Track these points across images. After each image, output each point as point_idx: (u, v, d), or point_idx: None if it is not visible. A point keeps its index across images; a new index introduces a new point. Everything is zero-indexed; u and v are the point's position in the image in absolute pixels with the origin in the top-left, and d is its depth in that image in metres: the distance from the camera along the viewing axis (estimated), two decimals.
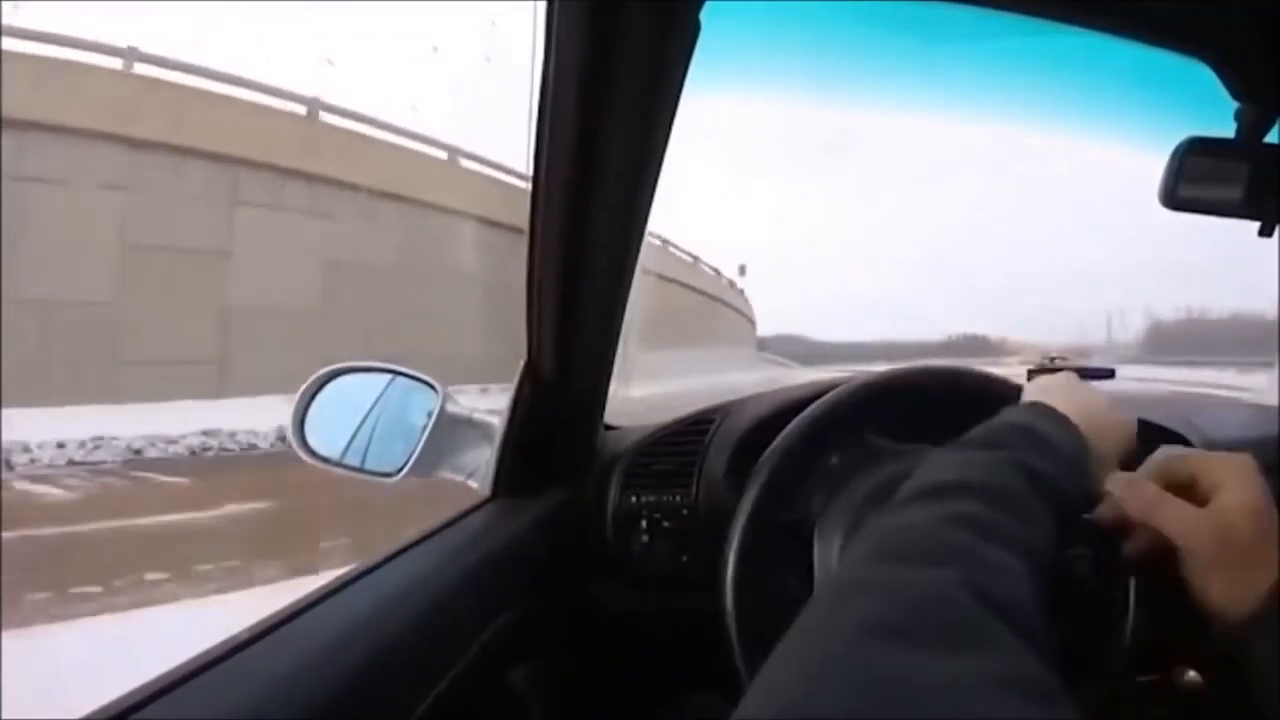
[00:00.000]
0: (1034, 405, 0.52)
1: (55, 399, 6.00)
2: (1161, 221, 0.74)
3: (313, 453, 0.77)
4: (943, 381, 0.79)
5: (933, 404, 0.74)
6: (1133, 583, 0.64)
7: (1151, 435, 0.59)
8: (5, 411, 4.99)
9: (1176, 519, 0.46)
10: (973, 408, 0.56)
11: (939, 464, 0.43)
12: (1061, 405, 0.52)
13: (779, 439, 0.77)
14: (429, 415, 0.79)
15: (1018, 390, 0.61)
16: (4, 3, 6.17)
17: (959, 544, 0.34)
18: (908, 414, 0.76)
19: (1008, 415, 0.51)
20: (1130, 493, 0.49)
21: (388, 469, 0.78)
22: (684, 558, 0.87)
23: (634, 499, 0.89)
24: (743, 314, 17.13)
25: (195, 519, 4.36)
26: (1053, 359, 0.68)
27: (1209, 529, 0.44)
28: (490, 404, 0.83)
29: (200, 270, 7.33)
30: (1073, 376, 0.59)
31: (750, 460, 0.78)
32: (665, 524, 0.88)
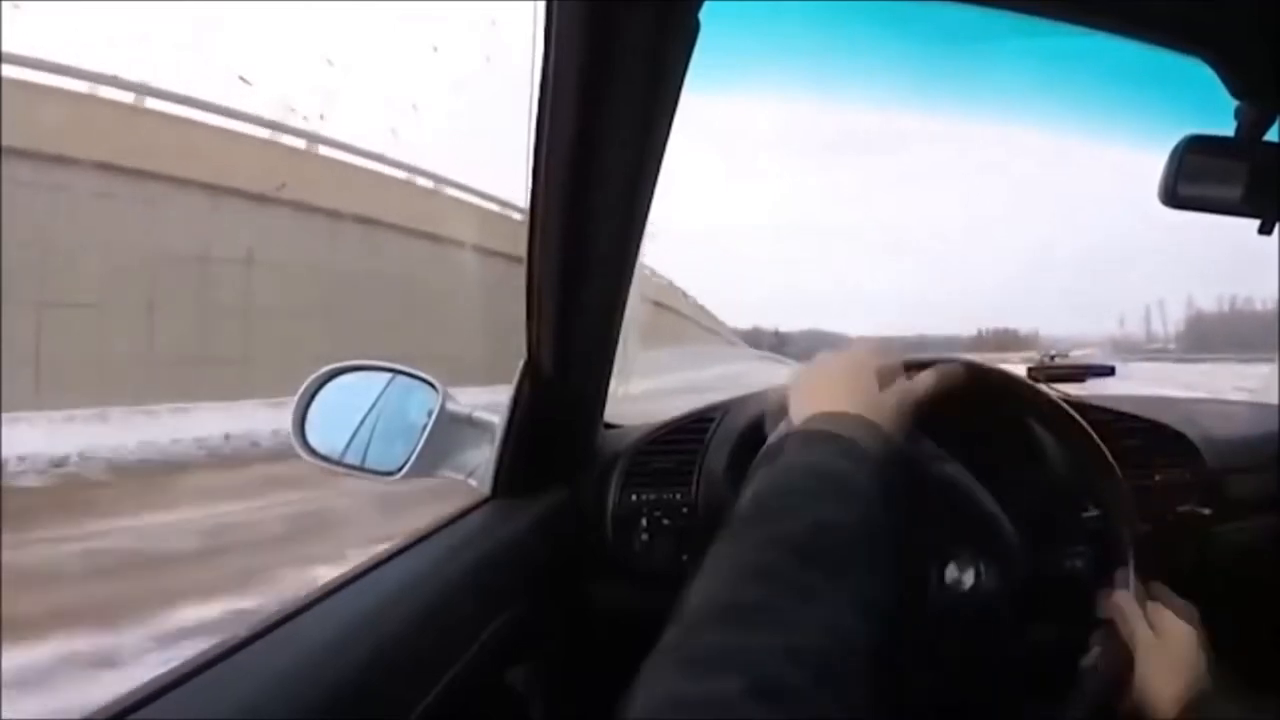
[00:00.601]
0: (810, 434, 0.50)
1: None
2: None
3: (313, 452, 0.77)
4: None
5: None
6: (1132, 580, 0.65)
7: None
8: None
9: (1142, 641, 0.62)
10: (975, 401, 0.56)
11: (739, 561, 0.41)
12: (838, 396, 0.52)
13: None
14: (429, 414, 0.79)
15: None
16: (4, 3, 6.14)
17: (746, 646, 0.35)
18: None
19: (793, 456, 0.49)
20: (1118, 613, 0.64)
21: (388, 468, 0.78)
22: (684, 556, 0.87)
23: (634, 497, 0.89)
24: (671, 309, 16.03)
25: None
26: (1052, 357, 0.68)
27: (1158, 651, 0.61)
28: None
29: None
30: (833, 356, 0.58)
31: (750, 458, 0.78)
32: (665, 522, 0.88)
